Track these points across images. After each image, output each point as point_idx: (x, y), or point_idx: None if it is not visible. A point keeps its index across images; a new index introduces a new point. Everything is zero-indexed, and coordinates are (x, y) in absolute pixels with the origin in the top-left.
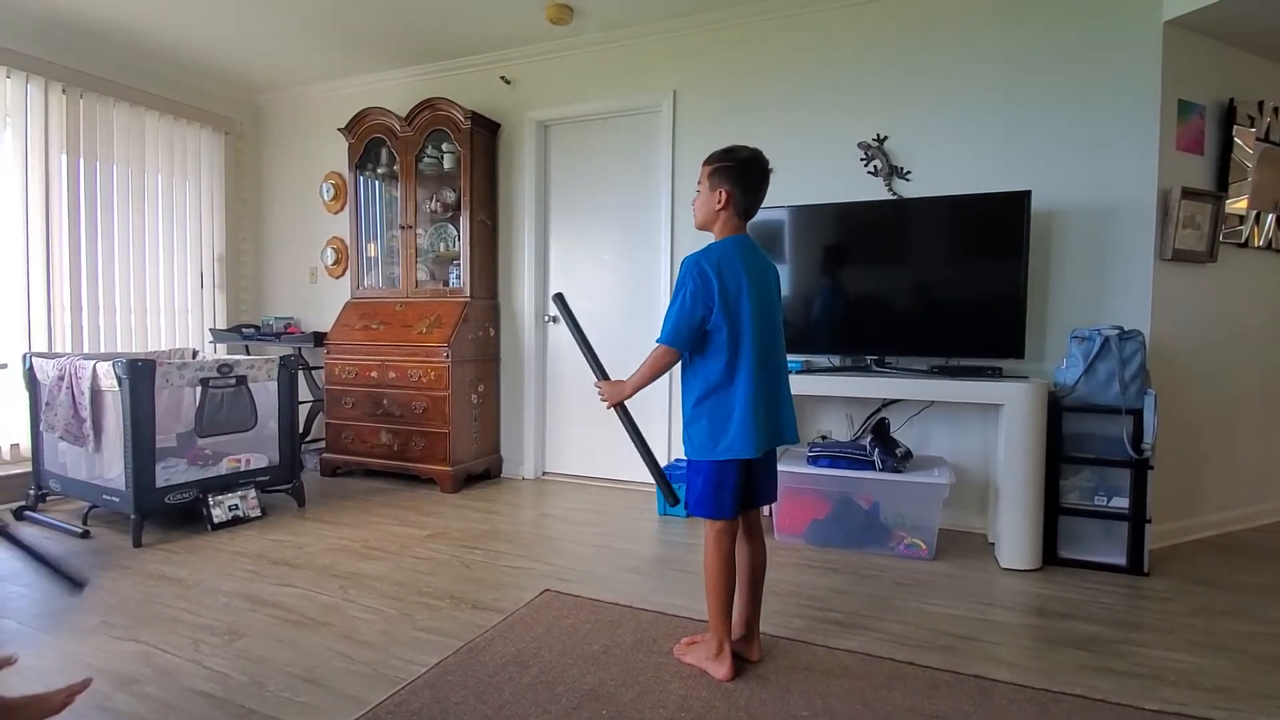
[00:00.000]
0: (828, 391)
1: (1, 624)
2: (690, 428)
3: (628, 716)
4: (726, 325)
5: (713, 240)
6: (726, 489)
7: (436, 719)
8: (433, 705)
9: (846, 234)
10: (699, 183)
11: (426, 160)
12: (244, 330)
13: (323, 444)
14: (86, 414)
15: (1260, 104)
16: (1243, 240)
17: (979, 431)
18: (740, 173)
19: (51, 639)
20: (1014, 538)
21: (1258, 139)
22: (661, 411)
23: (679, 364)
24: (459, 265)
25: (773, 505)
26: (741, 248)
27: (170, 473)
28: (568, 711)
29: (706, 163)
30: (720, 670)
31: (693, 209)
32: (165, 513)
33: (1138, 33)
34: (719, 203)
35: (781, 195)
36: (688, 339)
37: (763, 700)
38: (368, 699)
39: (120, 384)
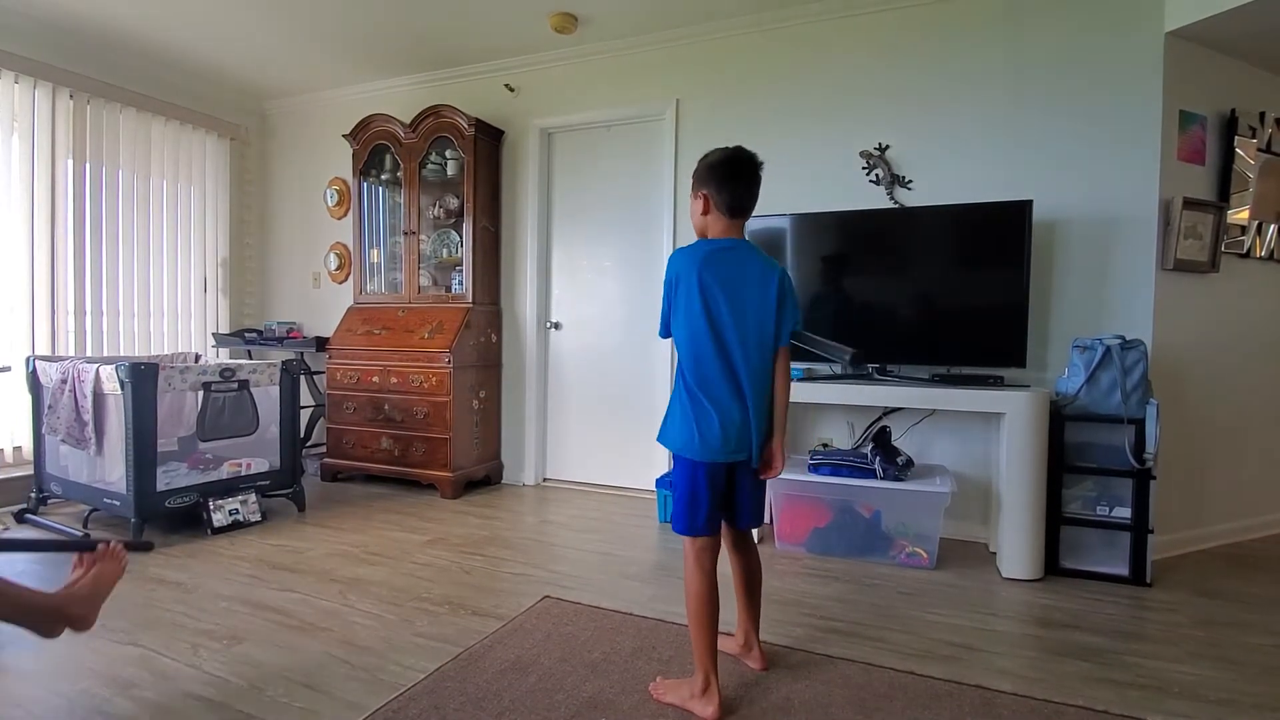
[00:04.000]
0: (829, 399)
1: (2, 627)
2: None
3: None
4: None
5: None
6: (700, 500)
7: None
8: (431, 712)
9: (848, 242)
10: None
11: (430, 167)
12: (246, 335)
13: (324, 449)
14: (89, 417)
15: (1261, 115)
16: (1244, 250)
17: (981, 440)
18: (711, 173)
19: (50, 643)
20: (1016, 547)
21: (1259, 150)
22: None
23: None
24: (461, 271)
25: (773, 514)
26: (715, 247)
27: (171, 476)
28: (567, 718)
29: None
30: (707, 710)
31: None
32: (166, 516)
33: (1139, 43)
34: (702, 208)
35: (783, 203)
36: (661, 328)
37: (763, 710)
38: (366, 704)
39: (123, 387)
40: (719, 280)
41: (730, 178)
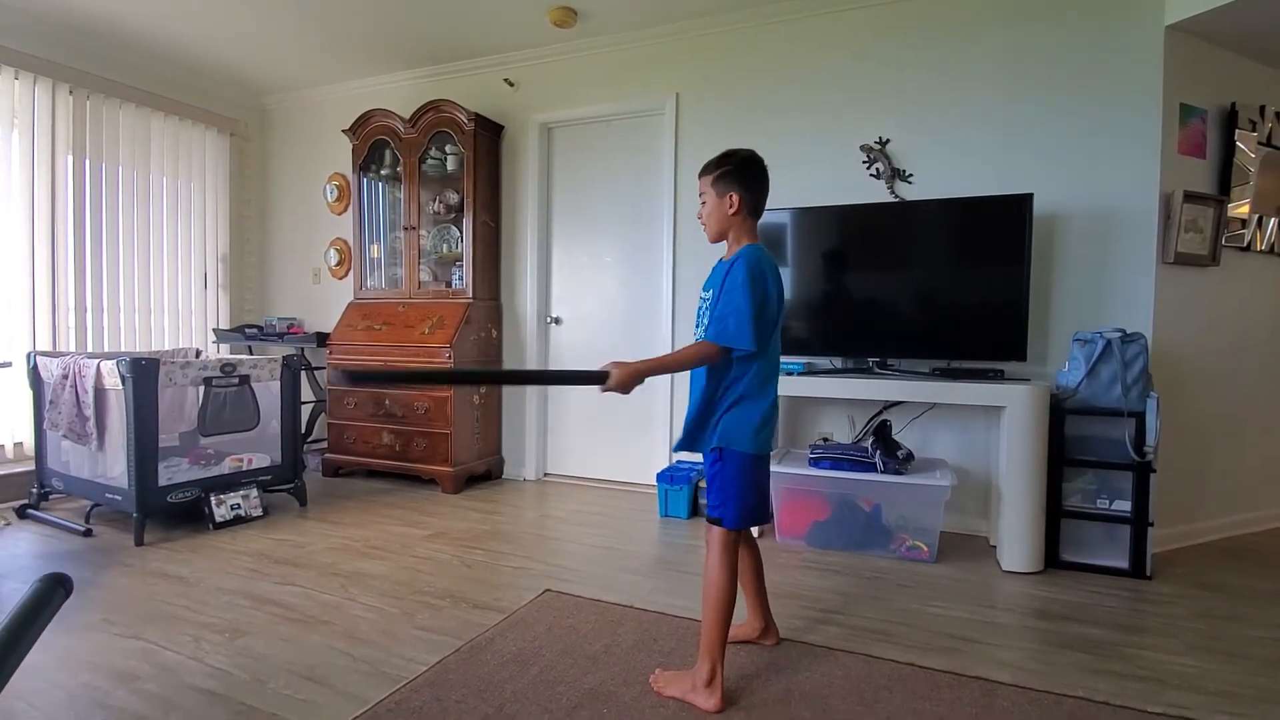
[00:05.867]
0: (829, 393)
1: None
2: (730, 417)
3: (628, 716)
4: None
5: (728, 246)
6: (766, 492)
7: (437, 717)
8: (433, 703)
9: (848, 236)
10: (700, 195)
11: (430, 162)
12: (247, 330)
13: (325, 444)
14: (90, 412)
15: (1261, 108)
16: (1245, 244)
17: (981, 434)
18: (744, 173)
19: (52, 636)
20: (1016, 540)
21: (1259, 143)
22: (663, 416)
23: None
24: (461, 266)
25: (774, 507)
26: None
27: (173, 472)
28: (568, 710)
29: (704, 173)
30: (710, 701)
31: (701, 223)
32: (167, 511)
33: (1140, 37)
34: (731, 208)
35: (784, 198)
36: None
37: (763, 701)
38: (368, 697)
39: (124, 383)
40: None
41: (761, 179)
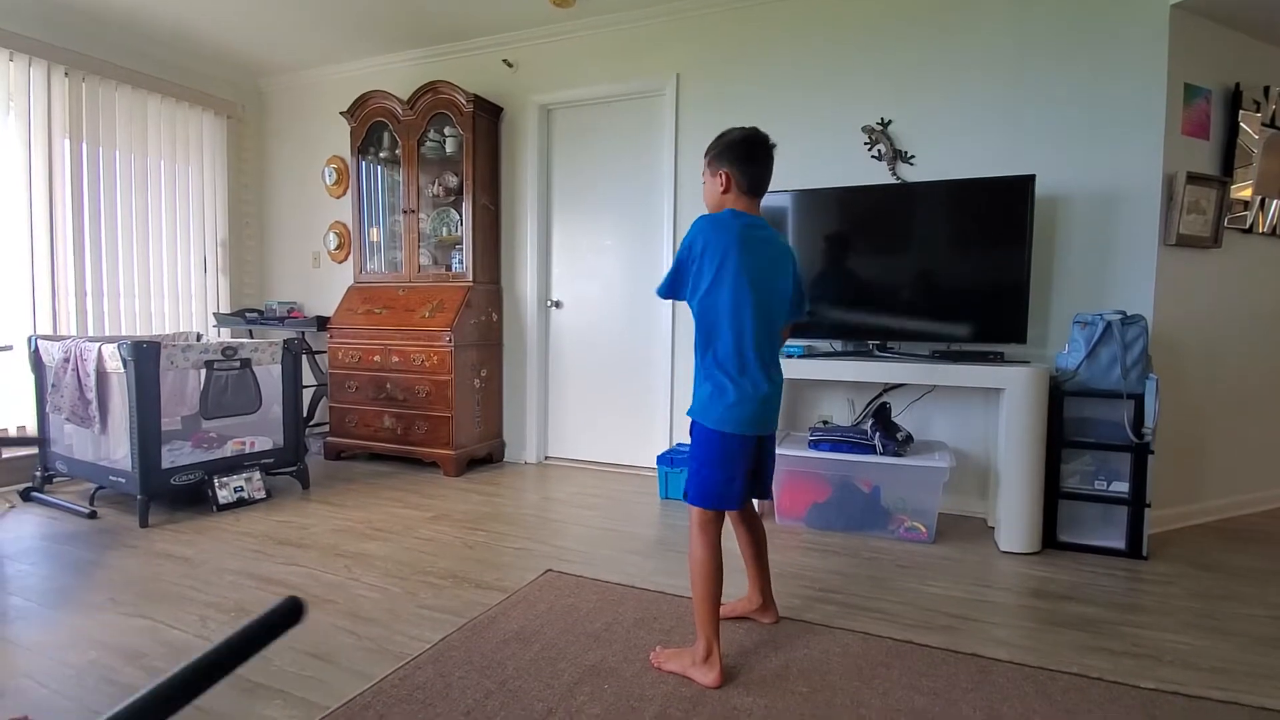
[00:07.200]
0: (829, 376)
1: (10, 601)
2: (701, 390)
3: (629, 691)
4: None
5: None
6: (735, 473)
7: (440, 693)
8: (436, 679)
9: (850, 218)
10: (703, 175)
11: (429, 144)
12: (247, 314)
13: (326, 428)
14: (92, 395)
15: (1266, 89)
16: (1247, 226)
17: (980, 416)
18: (733, 151)
19: (59, 615)
20: (1014, 521)
21: (1263, 124)
22: (663, 400)
23: (696, 333)
24: (461, 250)
25: (774, 489)
26: (749, 224)
27: (176, 455)
28: (570, 686)
29: (705, 154)
30: (708, 676)
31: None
32: (171, 494)
33: (1144, 16)
34: (721, 186)
35: (784, 179)
36: (668, 290)
37: (761, 676)
38: (372, 673)
39: (125, 366)
40: (756, 259)
41: (752, 158)
